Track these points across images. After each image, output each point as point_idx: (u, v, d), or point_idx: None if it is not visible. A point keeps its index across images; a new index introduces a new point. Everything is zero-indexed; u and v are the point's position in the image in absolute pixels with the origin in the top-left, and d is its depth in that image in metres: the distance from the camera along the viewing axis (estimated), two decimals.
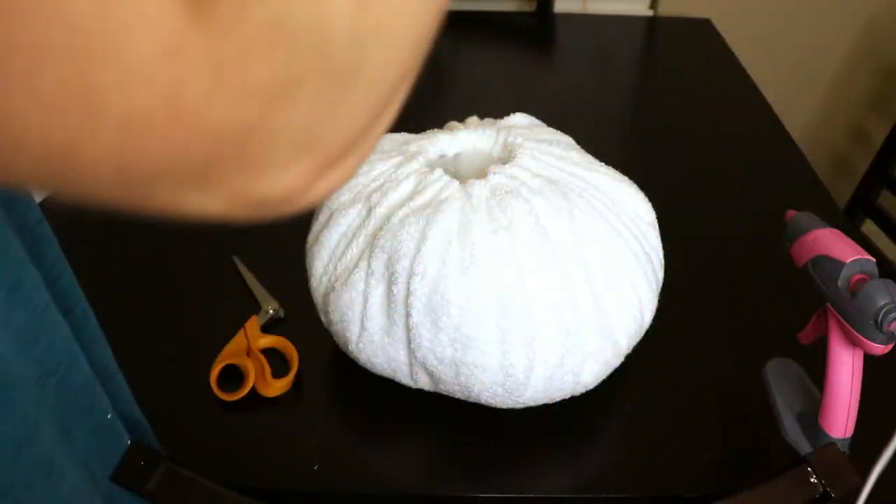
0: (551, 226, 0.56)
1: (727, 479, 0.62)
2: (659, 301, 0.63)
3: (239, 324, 0.71)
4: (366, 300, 0.58)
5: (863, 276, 0.55)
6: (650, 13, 1.42)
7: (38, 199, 0.47)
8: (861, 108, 1.54)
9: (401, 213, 0.57)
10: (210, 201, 0.21)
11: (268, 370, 0.67)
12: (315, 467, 0.61)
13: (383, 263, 0.57)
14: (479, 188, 0.58)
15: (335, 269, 0.60)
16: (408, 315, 0.56)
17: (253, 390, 0.66)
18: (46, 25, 0.16)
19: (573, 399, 0.62)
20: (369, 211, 0.59)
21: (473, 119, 0.71)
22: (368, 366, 0.62)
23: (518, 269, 0.55)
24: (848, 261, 0.54)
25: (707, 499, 0.55)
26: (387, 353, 0.59)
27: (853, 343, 0.56)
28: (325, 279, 0.61)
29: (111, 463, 0.49)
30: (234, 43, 0.18)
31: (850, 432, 0.59)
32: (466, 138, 0.66)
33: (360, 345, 0.60)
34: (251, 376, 0.66)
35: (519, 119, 0.70)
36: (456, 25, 1.34)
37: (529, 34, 1.38)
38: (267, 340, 0.71)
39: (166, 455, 0.53)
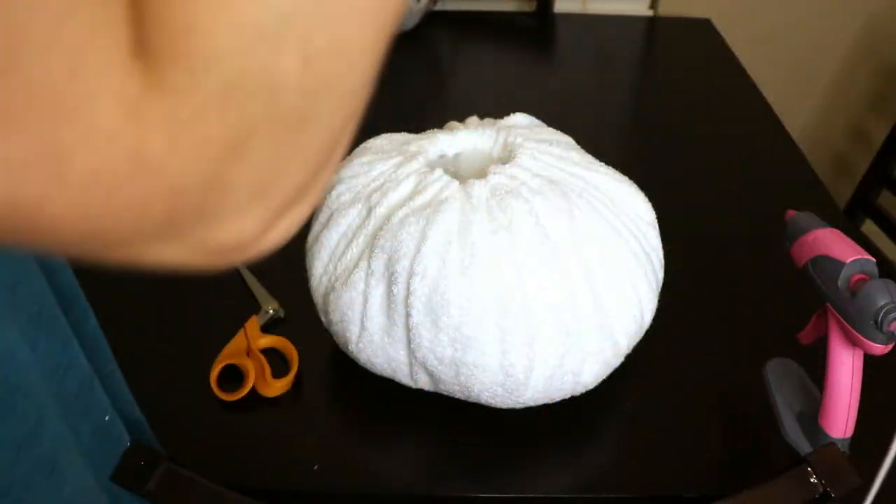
0: (551, 226, 0.56)
1: (727, 479, 0.62)
2: (659, 301, 0.63)
3: (239, 324, 0.71)
4: (366, 300, 0.58)
5: (863, 276, 0.55)
6: (650, 13, 1.42)
7: None
8: (861, 108, 1.54)
9: (401, 213, 0.57)
10: (169, 252, 0.22)
11: (268, 370, 0.67)
12: (315, 467, 0.61)
13: (383, 263, 0.57)
14: (479, 188, 0.58)
15: (335, 269, 0.60)
16: (408, 315, 0.56)
17: (253, 390, 0.66)
18: (16, 88, 0.17)
19: (573, 399, 0.62)
20: (369, 211, 0.59)
21: (473, 119, 0.71)
22: (368, 366, 0.62)
23: (518, 269, 0.55)
24: (848, 261, 0.54)
25: (707, 499, 0.55)
26: (387, 353, 0.59)
27: (853, 343, 0.56)
28: (325, 279, 0.61)
29: (111, 463, 0.49)
30: (189, 104, 0.19)
31: (850, 432, 0.59)
32: (466, 138, 0.66)
33: (360, 345, 0.60)
34: (251, 376, 0.66)
35: (519, 119, 0.70)
36: (456, 25, 1.34)
37: (529, 34, 1.38)
38: (267, 340, 0.71)
39: (166, 455, 0.53)
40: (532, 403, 0.60)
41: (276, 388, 0.66)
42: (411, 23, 1.25)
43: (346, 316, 0.59)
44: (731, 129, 1.09)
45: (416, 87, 1.20)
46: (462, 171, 0.66)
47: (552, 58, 1.35)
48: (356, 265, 0.58)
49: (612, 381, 0.63)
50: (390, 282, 0.56)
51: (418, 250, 0.55)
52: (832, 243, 0.57)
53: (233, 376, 0.67)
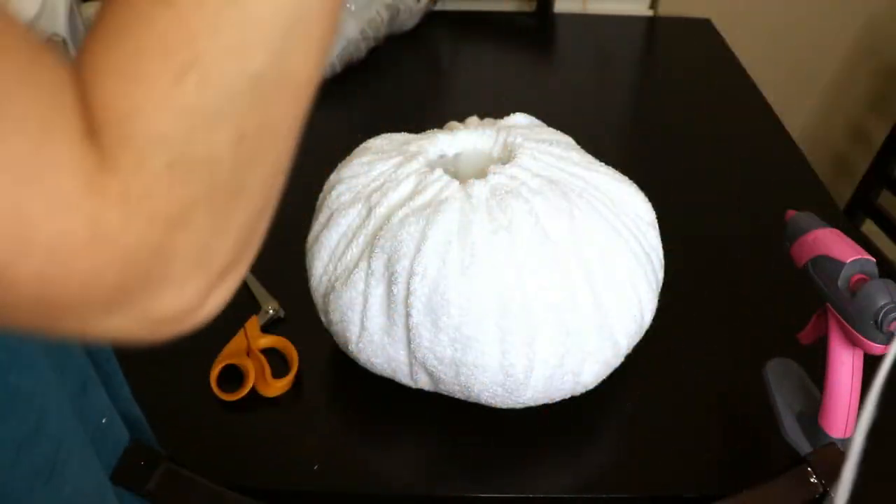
0: (551, 226, 0.56)
1: (727, 479, 0.62)
2: (659, 301, 0.63)
3: (239, 324, 0.71)
4: (366, 300, 0.58)
5: (863, 276, 0.55)
6: (650, 13, 1.42)
7: None
8: (861, 108, 1.54)
9: (401, 213, 0.57)
10: (114, 324, 0.24)
11: (268, 370, 0.67)
12: (315, 467, 0.61)
13: (383, 263, 0.57)
14: (479, 188, 0.58)
15: (335, 269, 0.60)
16: (408, 315, 0.56)
17: (253, 390, 0.66)
18: None
19: (573, 399, 0.62)
20: (369, 211, 0.59)
21: (473, 119, 0.71)
22: (368, 366, 0.62)
23: (518, 269, 0.55)
24: (848, 261, 0.54)
25: (707, 499, 0.56)
26: (387, 353, 0.59)
27: (853, 343, 0.56)
28: (325, 279, 0.61)
29: (111, 463, 0.49)
30: (138, 182, 0.21)
31: (850, 432, 0.59)
32: (466, 138, 0.66)
33: (360, 345, 0.60)
34: (251, 376, 0.66)
35: (519, 119, 0.70)
36: (456, 25, 1.34)
37: (529, 34, 1.38)
38: (267, 340, 0.71)
39: (166, 455, 0.53)
40: (532, 403, 0.60)
41: (276, 388, 0.66)
42: (411, 23, 1.25)
43: (346, 316, 0.59)
44: (731, 129, 1.09)
45: (416, 87, 1.20)
46: (462, 171, 0.66)
47: (552, 58, 1.35)
48: (356, 265, 0.58)
49: (612, 381, 0.63)
50: (390, 282, 0.56)
51: (418, 250, 0.55)
52: (832, 243, 0.57)
53: (233, 376, 0.67)
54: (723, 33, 1.33)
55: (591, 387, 0.61)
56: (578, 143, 0.68)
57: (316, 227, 0.64)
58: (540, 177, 0.59)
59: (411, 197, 0.58)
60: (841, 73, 1.50)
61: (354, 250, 0.59)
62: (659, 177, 0.76)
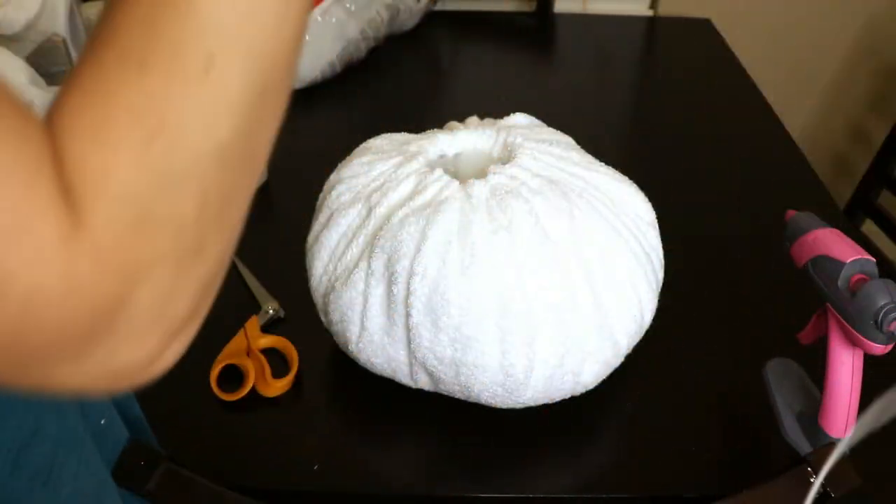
0: (551, 226, 0.56)
1: (727, 479, 0.62)
2: (659, 301, 0.63)
3: (239, 324, 0.71)
4: (366, 300, 0.58)
5: (863, 276, 0.55)
6: (650, 13, 1.42)
7: None
8: (861, 108, 1.54)
9: (401, 213, 0.57)
10: (76, 374, 0.24)
11: (268, 370, 0.67)
12: (315, 467, 0.61)
13: (383, 263, 0.57)
14: (479, 188, 0.58)
15: (335, 269, 0.60)
16: (408, 315, 0.56)
17: (253, 390, 0.66)
18: None
19: (573, 399, 0.62)
20: (369, 211, 0.59)
21: (473, 119, 0.71)
22: (368, 366, 0.62)
23: (518, 269, 0.55)
24: (848, 261, 0.54)
25: (707, 499, 0.56)
26: (387, 353, 0.59)
27: (853, 343, 0.56)
28: (325, 279, 0.61)
29: (110, 463, 0.49)
30: (109, 235, 0.22)
31: (850, 432, 0.59)
32: (466, 138, 0.66)
33: (360, 345, 0.60)
34: (251, 376, 0.66)
35: (519, 119, 0.70)
36: (456, 25, 1.34)
37: (529, 34, 1.38)
38: (267, 340, 0.71)
39: (166, 455, 0.53)
40: (532, 403, 0.60)
41: (276, 388, 0.66)
42: (411, 23, 1.25)
43: (346, 316, 0.59)
44: (731, 129, 1.09)
45: (416, 87, 1.20)
46: (462, 171, 0.66)
47: (552, 58, 1.35)
48: (356, 265, 0.58)
49: (612, 381, 0.63)
50: (390, 282, 0.56)
51: (418, 250, 0.55)
52: (832, 243, 0.57)
53: (233, 376, 0.67)
54: (723, 33, 1.33)
55: (591, 387, 0.61)
56: (578, 143, 0.68)
57: (316, 227, 0.64)
58: (540, 177, 0.59)
59: (411, 197, 0.58)
60: (841, 73, 1.50)
61: (354, 250, 0.59)
62: (659, 177, 0.76)
